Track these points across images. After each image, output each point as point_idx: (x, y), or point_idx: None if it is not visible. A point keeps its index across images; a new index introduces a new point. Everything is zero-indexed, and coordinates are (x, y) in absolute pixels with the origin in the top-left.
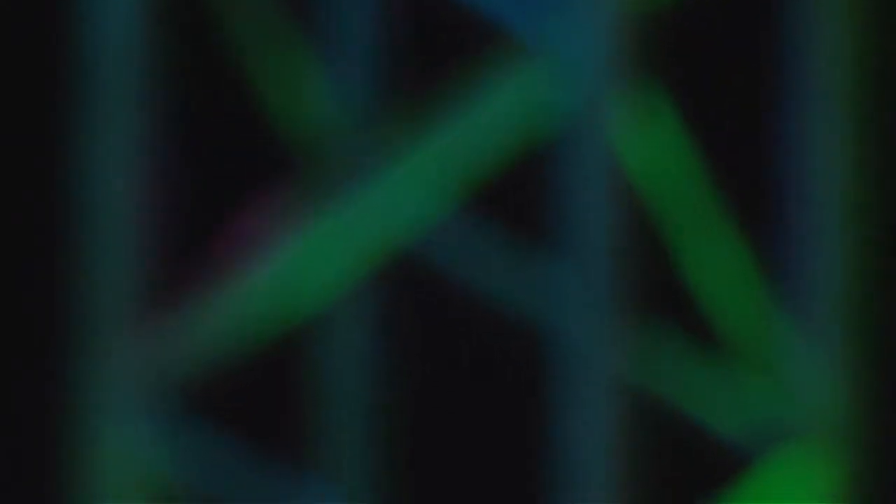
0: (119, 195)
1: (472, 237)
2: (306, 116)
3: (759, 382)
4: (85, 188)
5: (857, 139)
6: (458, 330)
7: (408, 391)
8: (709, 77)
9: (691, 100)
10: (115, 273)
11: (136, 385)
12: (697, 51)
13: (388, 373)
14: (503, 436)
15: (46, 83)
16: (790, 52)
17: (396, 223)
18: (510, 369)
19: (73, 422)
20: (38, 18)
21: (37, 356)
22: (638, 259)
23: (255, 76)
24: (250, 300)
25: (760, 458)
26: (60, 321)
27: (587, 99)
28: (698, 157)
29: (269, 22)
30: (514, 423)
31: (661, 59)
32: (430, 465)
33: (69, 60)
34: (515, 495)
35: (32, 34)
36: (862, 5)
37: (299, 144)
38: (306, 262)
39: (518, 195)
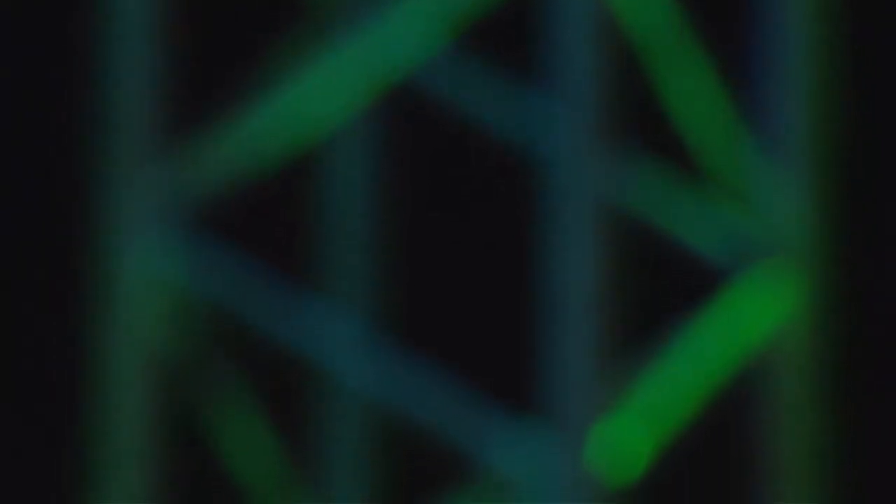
0: (141, 27)
1: (465, 70)
2: None
3: (732, 205)
4: (106, 24)
5: None
6: (450, 156)
7: (404, 213)
8: None
9: None
10: (136, 99)
11: (156, 205)
12: None
13: (386, 196)
14: (493, 255)
15: None
16: None
17: (394, 57)
18: (501, 193)
19: (98, 241)
20: None
21: (62, 178)
22: (621, 90)
23: None
24: (261, 127)
25: (733, 275)
26: (84, 145)
27: None
28: None
29: None
30: (503, 242)
31: None
32: (424, 283)
33: None
34: (504, 311)
35: None
36: None
37: None
38: (311, 93)
39: (508, 30)
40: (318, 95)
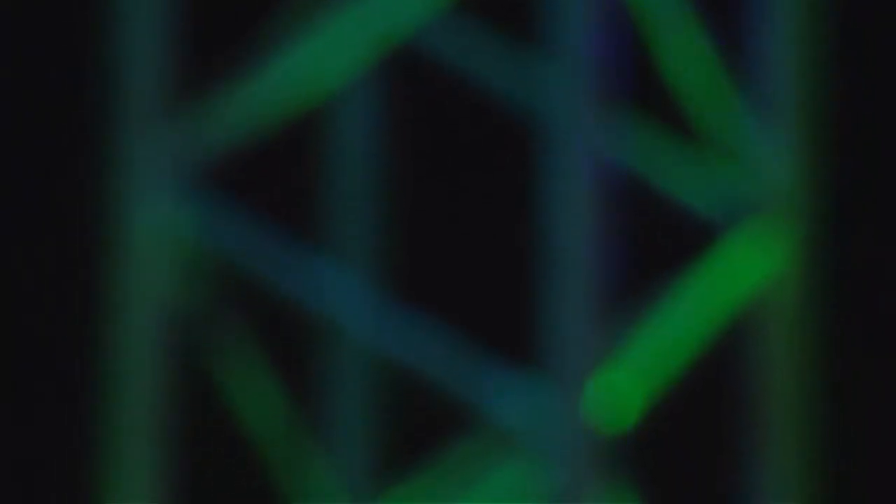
0: None
1: (466, 32)
2: None
3: (725, 163)
4: None
5: None
6: (451, 117)
7: (406, 171)
8: None
9: None
10: (147, 58)
11: (166, 162)
12: None
13: (388, 155)
14: (493, 212)
15: None
16: None
17: (397, 19)
18: (500, 152)
19: (110, 198)
20: None
21: (74, 137)
22: (620, 55)
23: None
24: (268, 87)
25: (725, 231)
26: (96, 104)
27: None
28: None
29: None
30: (503, 199)
31: None
32: (427, 239)
33: None
34: (504, 267)
35: None
36: None
37: None
38: (317, 54)
39: None
40: (323, 56)
